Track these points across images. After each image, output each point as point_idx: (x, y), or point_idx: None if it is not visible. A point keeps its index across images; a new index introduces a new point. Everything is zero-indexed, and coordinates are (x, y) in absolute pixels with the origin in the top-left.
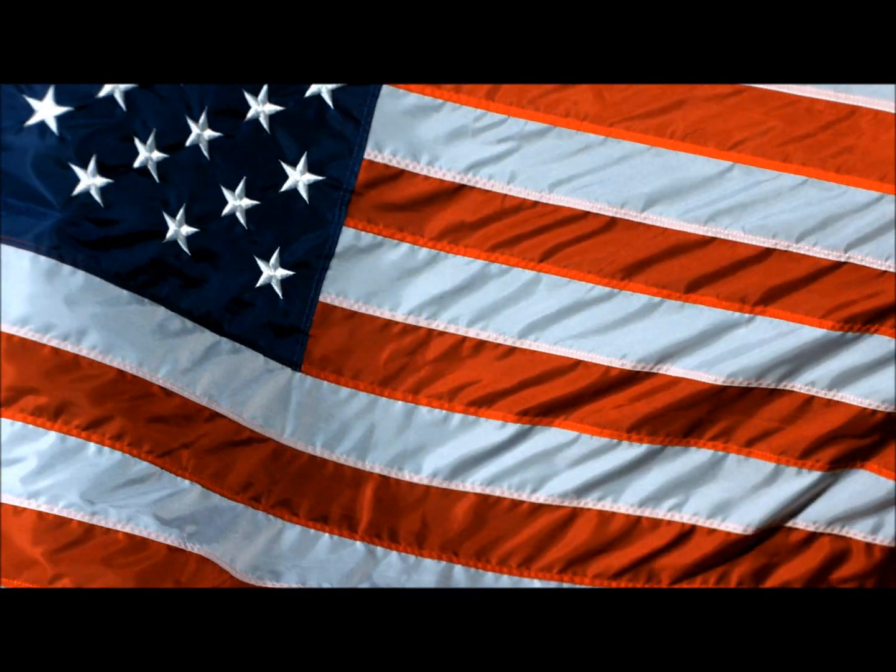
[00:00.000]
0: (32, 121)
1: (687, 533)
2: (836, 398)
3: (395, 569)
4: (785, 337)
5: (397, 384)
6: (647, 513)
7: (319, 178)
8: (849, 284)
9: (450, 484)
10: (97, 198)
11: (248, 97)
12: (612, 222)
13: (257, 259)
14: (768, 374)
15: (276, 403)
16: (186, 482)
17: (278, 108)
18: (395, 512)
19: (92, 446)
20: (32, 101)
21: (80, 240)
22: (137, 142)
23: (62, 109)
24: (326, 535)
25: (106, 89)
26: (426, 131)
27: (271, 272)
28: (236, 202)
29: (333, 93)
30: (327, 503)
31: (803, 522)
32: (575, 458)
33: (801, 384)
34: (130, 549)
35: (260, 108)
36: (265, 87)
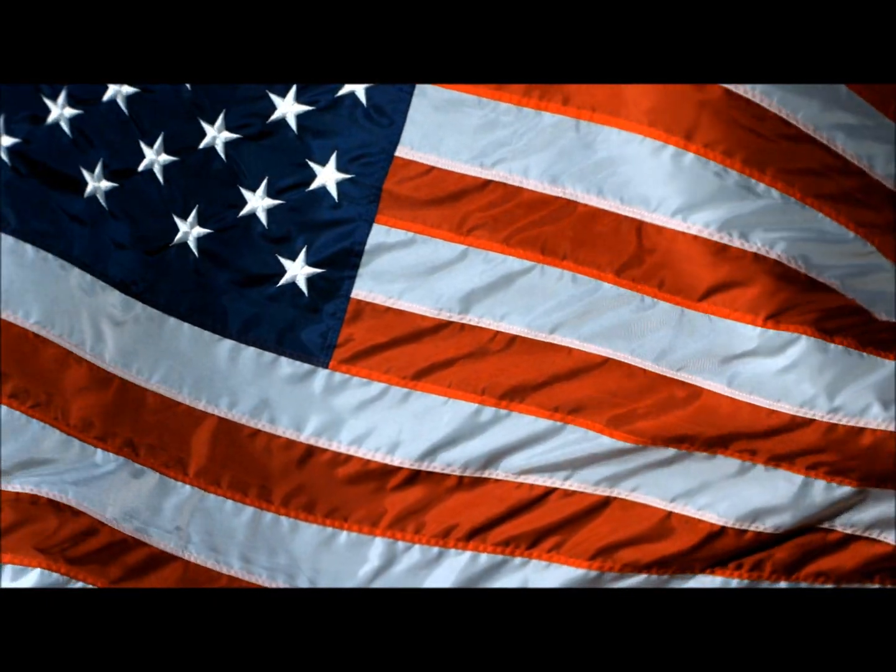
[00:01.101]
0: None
1: (717, 532)
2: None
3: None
4: None
5: (430, 378)
6: (679, 509)
7: (348, 175)
8: None
9: (482, 474)
10: (103, 202)
11: (274, 97)
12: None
13: (281, 258)
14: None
15: (303, 402)
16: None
17: (307, 107)
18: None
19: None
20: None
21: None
22: (143, 145)
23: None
24: (345, 532)
25: (109, 92)
26: (459, 128)
27: (297, 271)
28: (257, 202)
29: (368, 90)
30: (352, 505)
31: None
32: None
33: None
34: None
35: (288, 108)
36: (293, 88)
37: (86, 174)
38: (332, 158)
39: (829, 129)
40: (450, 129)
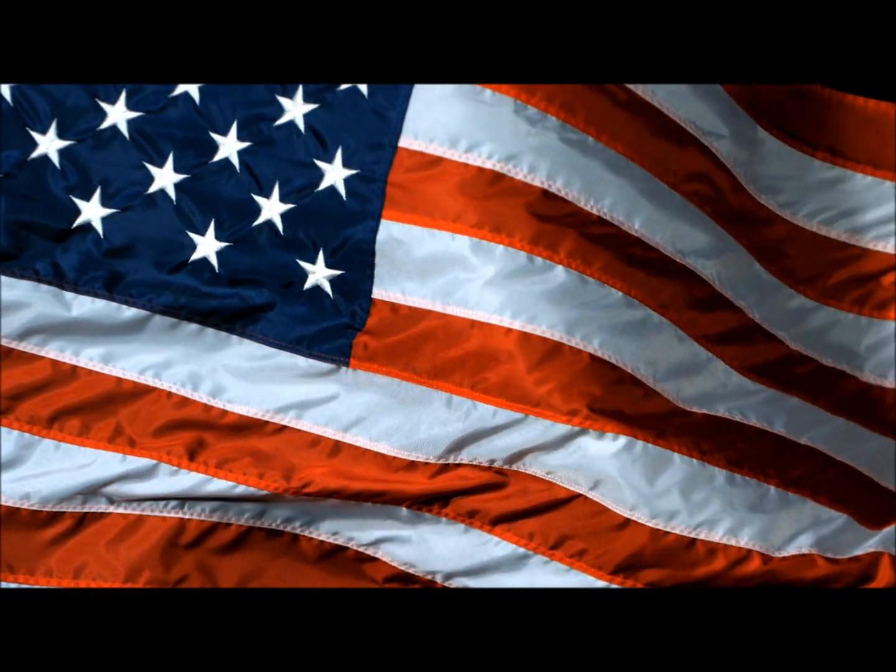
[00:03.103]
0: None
1: (743, 557)
2: None
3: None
4: None
5: (450, 377)
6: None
7: (354, 171)
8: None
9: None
10: (99, 229)
11: (283, 100)
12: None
13: (301, 263)
14: None
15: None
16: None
17: (313, 105)
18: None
19: None
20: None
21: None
22: (152, 167)
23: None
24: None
25: (108, 121)
26: (464, 117)
27: (318, 274)
28: (272, 208)
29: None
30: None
31: None
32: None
33: None
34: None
35: (296, 110)
36: (300, 89)
37: (79, 203)
38: (338, 155)
39: None
40: (455, 118)
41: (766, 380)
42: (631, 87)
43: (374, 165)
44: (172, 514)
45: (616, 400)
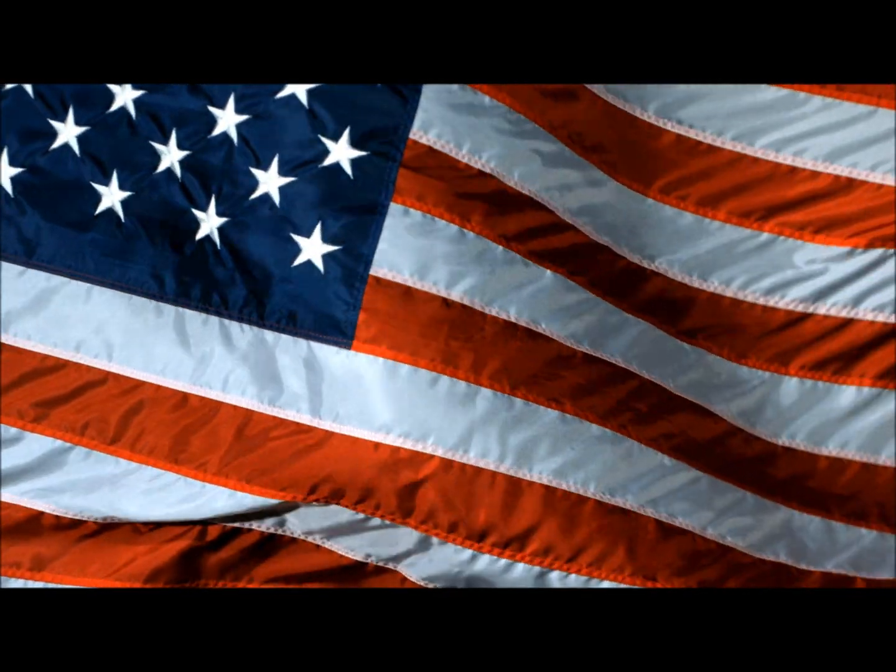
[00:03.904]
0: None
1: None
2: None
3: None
4: None
5: (459, 362)
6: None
7: (363, 153)
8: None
9: (517, 472)
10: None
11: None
12: None
13: (295, 236)
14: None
15: (333, 384)
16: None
17: (317, 84)
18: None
19: None
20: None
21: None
22: (158, 145)
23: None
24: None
25: (117, 103)
26: (470, 119)
27: (312, 249)
28: (270, 181)
29: None
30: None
31: None
32: None
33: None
34: None
35: (296, 87)
36: None
37: (99, 189)
38: (346, 134)
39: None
40: (462, 118)
41: None
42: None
43: (384, 150)
44: None
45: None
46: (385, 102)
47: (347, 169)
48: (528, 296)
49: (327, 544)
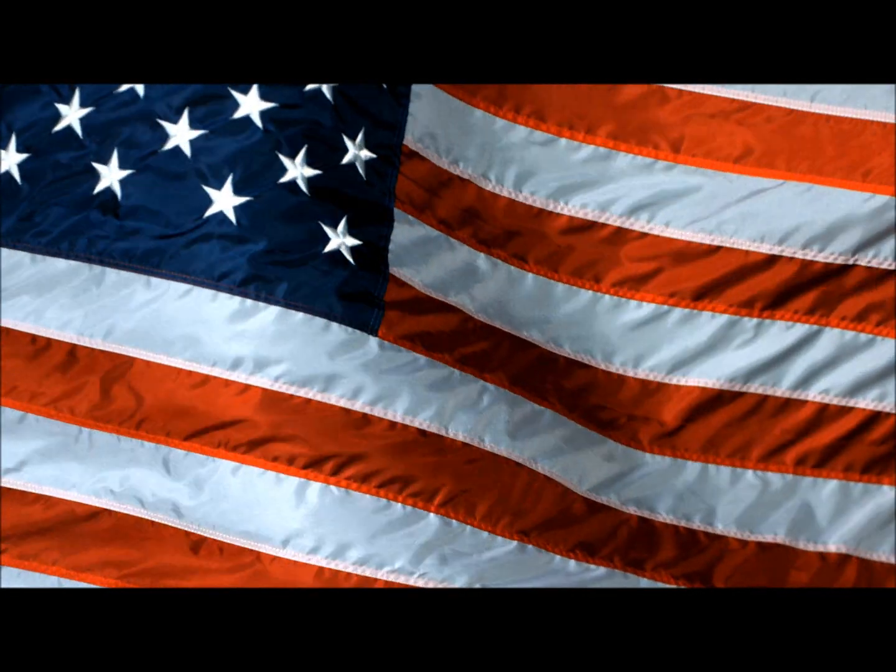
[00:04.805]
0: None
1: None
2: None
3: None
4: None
5: (474, 364)
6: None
7: (373, 155)
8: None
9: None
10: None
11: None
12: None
13: (324, 226)
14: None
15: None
16: None
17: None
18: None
19: None
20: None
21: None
22: (166, 123)
23: (85, 111)
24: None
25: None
26: (455, 127)
27: (340, 239)
28: (297, 170)
29: None
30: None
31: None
32: None
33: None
34: None
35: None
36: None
37: (100, 168)
38: (360, 135)
39: None
40: (447, 125)
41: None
42: None
43: (387, 153)
44: None
45: None
46: (390, 104)
47: (361, 170)
48: None
49: None
